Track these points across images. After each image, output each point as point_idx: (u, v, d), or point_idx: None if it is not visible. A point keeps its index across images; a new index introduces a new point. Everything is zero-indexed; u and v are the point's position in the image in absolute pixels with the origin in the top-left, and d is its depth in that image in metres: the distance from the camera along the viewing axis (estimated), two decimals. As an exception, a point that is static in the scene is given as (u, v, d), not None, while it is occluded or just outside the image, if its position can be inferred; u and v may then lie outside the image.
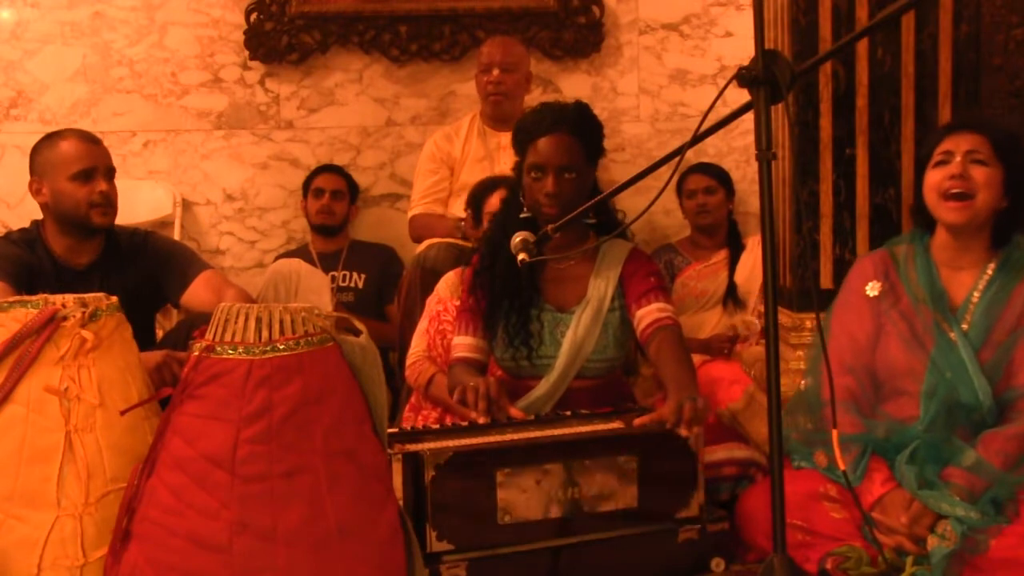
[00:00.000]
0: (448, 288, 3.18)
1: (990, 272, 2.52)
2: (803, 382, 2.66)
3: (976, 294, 2.51)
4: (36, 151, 2.99)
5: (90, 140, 2.98)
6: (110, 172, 2.98)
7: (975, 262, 2.54)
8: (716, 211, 4.07)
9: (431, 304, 3.20)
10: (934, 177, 2.50)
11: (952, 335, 2.48)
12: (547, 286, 2.84)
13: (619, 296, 2.79)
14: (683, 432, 2.37)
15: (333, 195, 4.21)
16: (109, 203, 2.95)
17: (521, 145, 2.78)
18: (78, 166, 2.91)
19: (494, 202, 3.29)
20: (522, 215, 2.75)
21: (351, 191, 4.29)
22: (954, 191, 2.46)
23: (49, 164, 2.93)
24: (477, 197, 3.45)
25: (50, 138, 3.00)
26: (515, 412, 2.61)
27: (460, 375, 2.78)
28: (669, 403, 2.46)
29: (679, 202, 4.16)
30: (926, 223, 2.59)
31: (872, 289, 2.58)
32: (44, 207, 2.96)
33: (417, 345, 3.15)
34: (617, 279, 2.80)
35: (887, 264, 2.61)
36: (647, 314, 2.72)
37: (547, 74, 4.40)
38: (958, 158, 2.47)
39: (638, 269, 2.80)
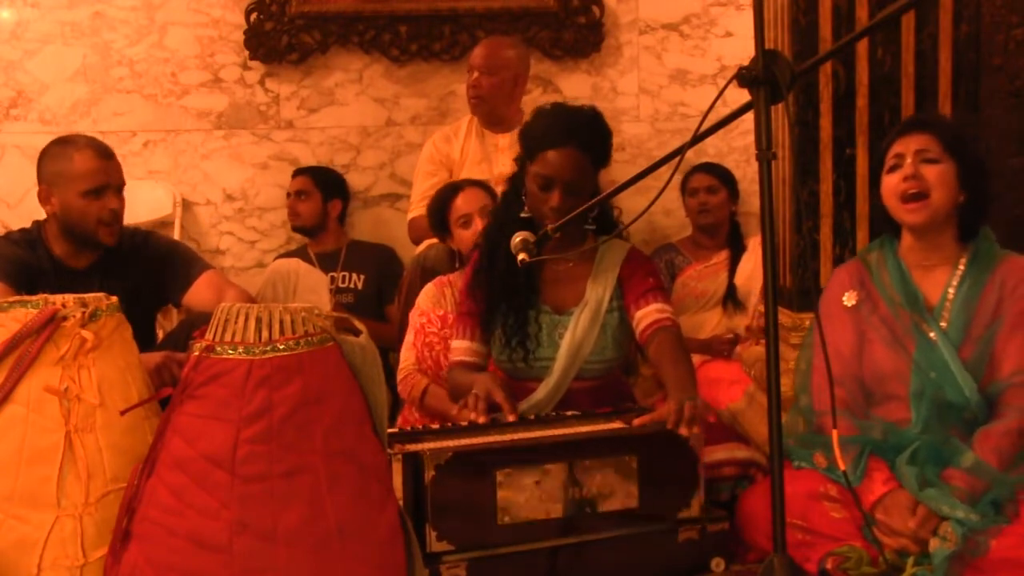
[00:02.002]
0: (429, 300, 3.17)
1: (962, 268, 2.54)
2: (798, 397, 2.66)
3: (951, 291, 2.53)
4: (48, 158, 2.95)
5: (104, 155, 2.95)
6: (120, 188, 2.97)
7: (945, 260, 2.55)
8: (717, 211, 4.07)
9: (414, 318, 3.18)
10: (890, 181, 2.53)
11: (932, 335, 2.49)
12: (545, 287, 2.83)
13: (618, 297, 2.79)
14: (683, 432, 2.37)
15: (296, 196, 4.23)
16: (117, 220, 2.95)
17: (529, 150, 2.74)
18: (90, 183, 2.89)
19: (459, 206, 3.27)
20: (522, 215, 2.74)
21: (325, 189, 4.25)
22: (909, 192, 2.49)
23: (61, 176, 2.90)
24: (440, 206, 3.36)
25: (63, 147, 2.95)
26: (511, 417, 2.60)
27: (460, 377, 2.78)
28: (669, 403, 2.46)
29: (682, 200, 4.16)
30: (892, 228, 2.61)
31: (849, 299, 2.60)
32: (51, 215, 2.95)
33: (406, 359, 3.14)
34: (615, 280, 2.79)
35: (861, 273, 2.62)
36: (646, 315, 2.72)
37: (547, 74, 4.40)
38: (909, 159, 2.50)
39: (636, 270, 2.80)
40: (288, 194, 4.27)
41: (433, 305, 3.14)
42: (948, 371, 2.46)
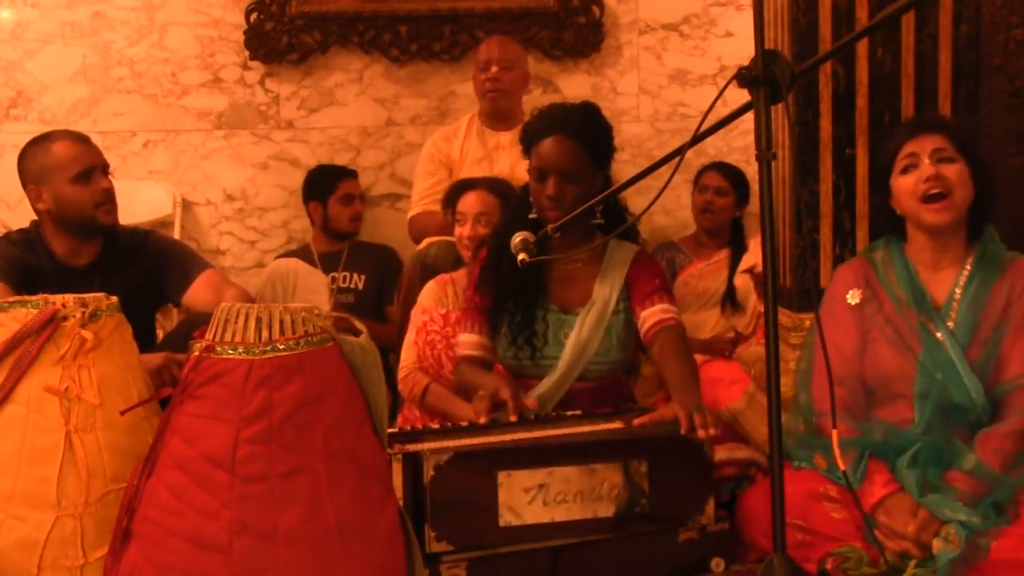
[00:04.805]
0: (431, 298, 3.17)
1: (968, 268, 2.52)
2: (797, 395, 2.65)
3: (958, 291, 2.51)
4: (27, 158, 2.95)
5: (81, 139, 2.97)
6: (106, 169, 2.98)
7: (953, 260, 2.53)
8: (721, 213, 4.05)
9: (416, 315, 3.18)
10: (906, 182, 2.49)
11: (938, 335, 2.48)
12: (552, 286, 2.84)
13: (624, 299, 2.79)
14: (701, 435, 2.35)
15: (362, 199, 4.26)
16: (111, 200, 2.96)
17: (526, 147, 2.79)
18: (77, 168, 2.89)
19: (469, 202, 3.28)
20: (531, 215, 2.75)
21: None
22: (932, 192, 2.45)
23: (46, 170, 2.90)
24: (450, 198, 3.41)
25: (39, 143, 2.96)
26: (530, 402, 2.61)
27: (468, 373, 2.79)
28: (672, 405, 2.46)
29: (691, 194, 4.15)
30: (895, 230, 2.59)
31: (853, 297, 2.58)
32: (45, 213, 2.94)
33: (407, 357, 3.14)
34: (622, 281, 2.79)
35: (866, 271, 2.60)
36: (651, 315, 2.72)
37: (547, 74, 4.40)
38: (926, 160, 2.47)
39: (643, 271, 2.80)
40: (349, 196, 4.19)
41: (435, 303, 3.14)
42: (955, 372, 2.44)
